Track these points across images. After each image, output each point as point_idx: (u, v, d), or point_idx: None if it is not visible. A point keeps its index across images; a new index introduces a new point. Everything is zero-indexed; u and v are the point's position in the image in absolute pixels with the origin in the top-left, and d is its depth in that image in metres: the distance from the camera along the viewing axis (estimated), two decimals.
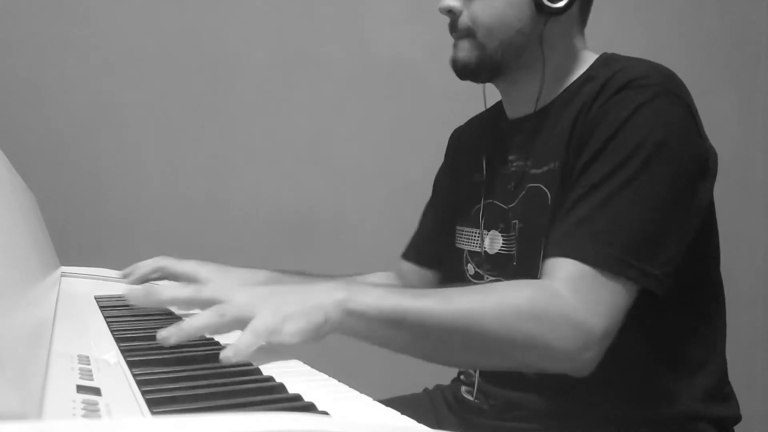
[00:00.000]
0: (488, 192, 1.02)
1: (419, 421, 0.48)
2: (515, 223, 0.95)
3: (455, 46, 0.96)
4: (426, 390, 1.13)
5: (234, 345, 0.63)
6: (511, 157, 0.99)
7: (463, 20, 0.94)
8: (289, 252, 1.85)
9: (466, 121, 1.19)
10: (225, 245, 1.83)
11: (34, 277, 0.67)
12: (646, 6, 2.15)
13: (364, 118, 1.94)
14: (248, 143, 1.87)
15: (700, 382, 0.91)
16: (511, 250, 0.96)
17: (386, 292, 0.75)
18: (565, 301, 0.77)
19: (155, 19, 1.80)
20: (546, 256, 0.83)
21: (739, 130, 2.24)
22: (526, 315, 0.76)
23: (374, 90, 1.94)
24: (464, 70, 0.96)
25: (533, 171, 0.93)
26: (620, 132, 0.83)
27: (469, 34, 0.94)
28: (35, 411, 0.40)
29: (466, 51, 0.95)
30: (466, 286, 0.84)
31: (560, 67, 0.95)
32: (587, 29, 1.00)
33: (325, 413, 0.49)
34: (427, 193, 1.23)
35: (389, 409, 0.54)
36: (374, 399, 0.56)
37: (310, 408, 0.50)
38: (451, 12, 0.94)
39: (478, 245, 1.01)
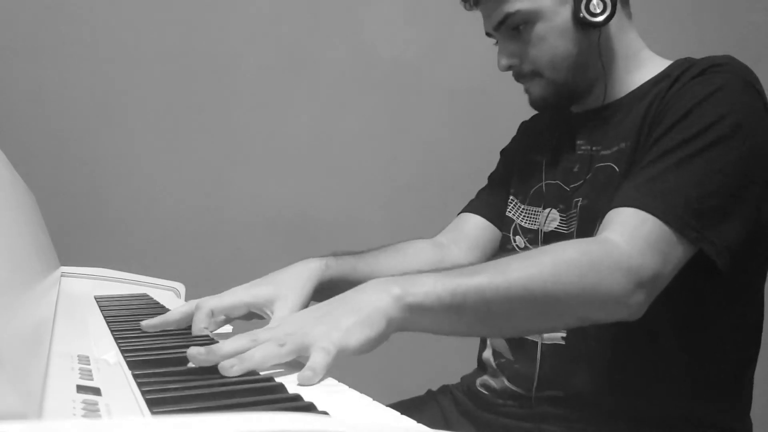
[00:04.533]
0: (550, 172, 1.02)
1: (425, 423, 0.47)
2: (577, 201, 0.95)
3: (527, 89, 0.99)
4: (430, 391, 1.12)
5: (310, 366, 0.62)
6: (579, 142, 1.00)
7: (526, 67, 0.96)
8: (289, 253, 1.84)
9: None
10: (225, 245, 1.83)
11: (34, 277, 0.67)
12: (646, 6, 2.15)
13: (364, 120, 1.94)
14: (248, 144, 1.87)
15: (721, 393, 0.91)
16: (570, 228, 0.96)
17: (439, 277, 0.73)
18: (618, 247, 0.77)
19: (155, 19, 1.80)
20: (610, 208, 0.82)
21: None
22: (580, 267, 0.76)
23: (374, 91, 1.94)
24: (546, 107, 1.00)
25: (602, 153, 0.94)
26: (698, 107, 0.83)
27: (536, 75, 0.96)
28: (35, 411, 0.40)
29: (540, 89, 0.97)
30: (512, 255, 0.83)
31: (625, 62, 0.97)
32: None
33: (325, 413, 0.49)
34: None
35: (389, 409, 0.54)
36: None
37: (310, 408, 0.50)
38: (511, 67, 0.98)
39: (534, 222, 1.02)
